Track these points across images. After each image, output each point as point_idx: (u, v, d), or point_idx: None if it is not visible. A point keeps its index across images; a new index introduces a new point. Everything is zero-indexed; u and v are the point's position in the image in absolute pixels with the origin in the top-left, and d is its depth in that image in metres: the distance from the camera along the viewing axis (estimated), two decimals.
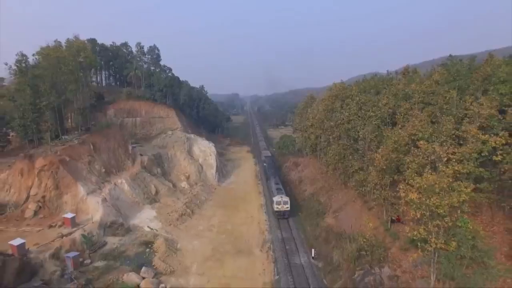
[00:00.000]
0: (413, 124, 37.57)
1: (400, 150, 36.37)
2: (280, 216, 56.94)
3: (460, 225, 25.85)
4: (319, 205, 57.91)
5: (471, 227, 25.71)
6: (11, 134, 76.73)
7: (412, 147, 34.74)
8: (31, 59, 66.70)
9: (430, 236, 26.18)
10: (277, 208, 56.62)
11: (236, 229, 54.98)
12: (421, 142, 33.35)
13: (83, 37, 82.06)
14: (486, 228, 32.65)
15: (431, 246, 25.89)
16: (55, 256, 42.53)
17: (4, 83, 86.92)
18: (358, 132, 50.38)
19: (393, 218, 38.70)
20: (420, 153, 32.08)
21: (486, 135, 31.38)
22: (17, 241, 41.40)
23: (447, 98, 41.13)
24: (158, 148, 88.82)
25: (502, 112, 36.06)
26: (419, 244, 26.77)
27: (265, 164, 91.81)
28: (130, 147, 75.94)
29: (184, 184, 75.91)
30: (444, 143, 32.69)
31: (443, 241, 25.70)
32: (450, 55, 66.54)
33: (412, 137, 36.37)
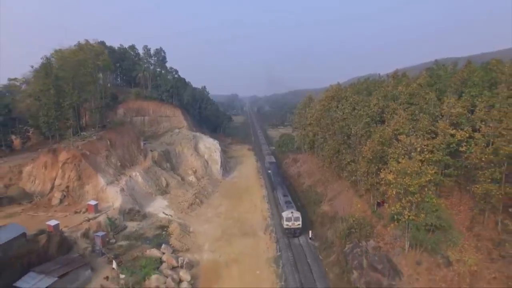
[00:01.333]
0: (396, 121, 43.96)
1: (384, 143, 42.69)
2: (291, 234, 50.64)
3: (427, 200, 32.19)
4: (316, 195, 64.18)
5: (435, 201, 32.09)
6: (31, 131, 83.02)
7: (394, 140, 41.03)
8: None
9: (404, 210, 32.58)
10: (287, 225, 50.40)
11: (242, 216, 61.20)
12: (402, 136, 39.73)
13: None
14: (455, 207, 39.01)
15: (404, 218, 32.28)
16: (85, 235, 48.66)
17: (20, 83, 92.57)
18: (351, 129, 56.58)
19: (379, 201, 45.01)
20: (400, 145, 38.40)
21: (454, 130, 37.76)
22: (52, 222, 47.43)
23: (427, 99, 47.48)
24: (166, 145, 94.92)
25: (473, 111, 42.46)
26: (395, 216, 33.10)
27: (269, 171, 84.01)
28: (142, 143, 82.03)
29: (191, 178, 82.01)
30: (421, 137, 39.01)
31: (414, 214, 32.07)
32: (436, 60, 73.07)
33: (395, 132, 42.68)
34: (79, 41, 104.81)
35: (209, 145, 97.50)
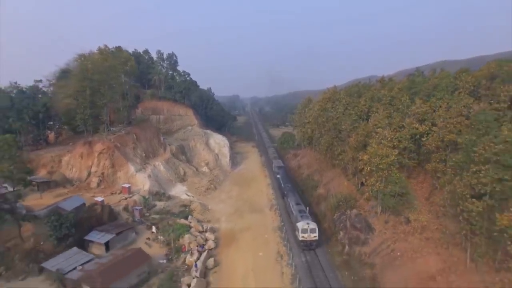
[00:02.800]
0: (375, 118, 55.40)
1: (366, 135, 54.09)
2: (306, 247, 46.84)
3: (392, 175, 43.59)
4: (313, 182, 75.57)
5: (398, 175, 43.52)
6: (63, 127, 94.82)
7: (373, 133, 52.44)
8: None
9: (376, 183, 44.01)
10: (303, 237, 46.54)
11: (250, 198, 72.68)
12: (379, 129, 51.22)
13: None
14: (420, 184, 50.38)
15: (376, 188, 43.72)
16: (125, 209, 60.16)
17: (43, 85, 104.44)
18: (342, 125, 67.91)
19: (362, 182, 56.29)
20: (377, 136, 49.83)
21: (418, 125, 49.17)
22: (99, 198, 58.95)
23: (402, 101, 58.88)
24: (180, 140, 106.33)
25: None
26: (370, 188, 44.52)
27: (278, 176, 79.18)
28: (161, 138, 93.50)
29: (204, 169, 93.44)
30: (393, 130, 50.42)
31: (383, 185, 43.51)
32: (417, 68, 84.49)
33: (374, 127, 54.09)
34: (99, 46, 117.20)
35: (219, 141, 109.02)
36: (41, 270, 40.26)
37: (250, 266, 43.57)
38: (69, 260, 40.63)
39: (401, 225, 43.17)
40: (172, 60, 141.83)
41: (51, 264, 39.48)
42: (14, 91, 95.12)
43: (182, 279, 39.05)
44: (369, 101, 69.98)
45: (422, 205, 45.20)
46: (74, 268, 39.06)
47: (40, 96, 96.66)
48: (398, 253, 39.19)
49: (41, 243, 44.15)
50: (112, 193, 68.62)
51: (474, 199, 29.51)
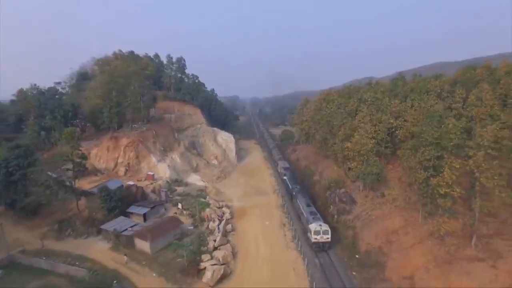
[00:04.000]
0: (359, 115, 67.50)
1: (352, 129, 66.12)
2: (319, 248, 47.49)
3: (370, 159, 55.63)
4: (310, 171, 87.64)
5: (374, 159, 55.55)
6: (88, 125, 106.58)
7: (358, 127, 64.46)
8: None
9: (358, 165, 56.07)
10: (315, 239, 47.21)
11: (256, 184, 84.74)
12: (362, 124, 63.25)
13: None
14: (395, 168, 62.49)
15: (358, 169, 55.79)
16: (153, 191, 71.89)
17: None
18: (334, 121, 79.87)
19: (349, 167, 68.30)
20: (360, 130, 61.87)
21: (393, 120, 61.23)
22: (131, 182, 70.73)
23: (382, 101, 70.93)
24: (190, 137, 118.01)
25: None
26: (354, 170, 56.58)
27: (285, 178, 79.86)
28: (175, 134, 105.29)
29: (214, 162, 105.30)
30: (373, 125, 62.46)
31: (363, 167, 55.57)
32: (400, 73, 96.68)
33: (359, 122, 66.10)
34: (114, 51, 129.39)
35: (225, 138, 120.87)
36: (99, 232, 52.12)
37: (259, 230, 55.68)
38: (120, 224, 52.45)
39: (377, 198, 55.29)
40: (180, 64, 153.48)
41: (107, 226, 51.32)
42: (34, 92, 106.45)
43: (208, 238, 51.00)
44: (357, 102, 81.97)
45: (395, 183, 57.34)
46: (125, 230, 50.92)
47: (57, 96, 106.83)
48: (373, 217, 51.32)
49: (94, 213, 55.99)
50: (138, 180, 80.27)
51: (422, 171, 41.59)
